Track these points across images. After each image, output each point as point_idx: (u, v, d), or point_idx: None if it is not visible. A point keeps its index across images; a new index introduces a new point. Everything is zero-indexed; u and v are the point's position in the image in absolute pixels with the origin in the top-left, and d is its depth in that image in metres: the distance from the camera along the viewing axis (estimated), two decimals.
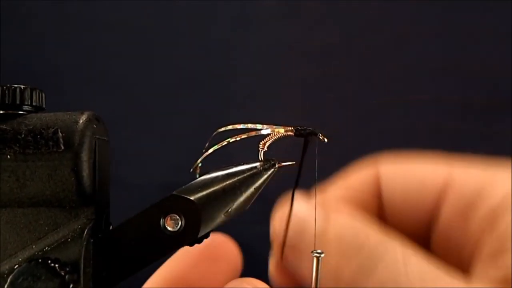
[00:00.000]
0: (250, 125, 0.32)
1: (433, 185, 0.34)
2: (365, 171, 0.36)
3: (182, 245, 0.30)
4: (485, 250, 0.30)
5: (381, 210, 0.36)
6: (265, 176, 0.31)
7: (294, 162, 0.32)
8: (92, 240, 0.29)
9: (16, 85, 0.31)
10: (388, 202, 0.35)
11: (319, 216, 0.31)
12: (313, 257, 0.30)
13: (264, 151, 0.31)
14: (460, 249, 0.32)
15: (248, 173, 0.30)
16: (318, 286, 0.29)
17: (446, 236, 0.33)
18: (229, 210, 0.30)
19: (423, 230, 0.34)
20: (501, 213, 0.31)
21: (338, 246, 0.30)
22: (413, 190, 0.35)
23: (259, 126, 0.32)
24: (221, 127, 0.33)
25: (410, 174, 0.35)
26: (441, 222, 0.33)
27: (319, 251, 0.30)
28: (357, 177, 0.35)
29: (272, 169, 0.31)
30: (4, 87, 0.31)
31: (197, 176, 0.31)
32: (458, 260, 0.32)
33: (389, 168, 0.36)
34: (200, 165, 0.32)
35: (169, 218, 0.29)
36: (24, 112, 0.31)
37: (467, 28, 0.71)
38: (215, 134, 0.33)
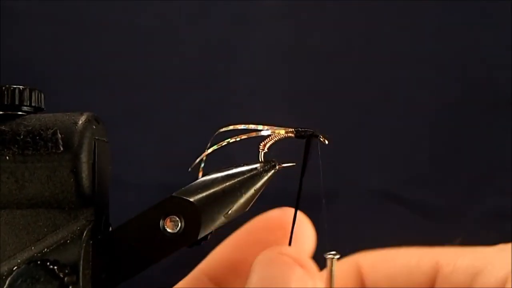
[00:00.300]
0: (251, 126, 0.32)
1: (421, 272, 0.34)
2: (345, 264, 0.35)
3: (182, 247, 0.30)
4: None
5: None
6: (266, 178, 0.30)
7: (294, 164, 0.32)
8: (91, 242, 0.29)
9: (15, 86, 0.31)
10: None
11: None
12: (326, 259, 0.29)
13: (264, 152, 0.31)
14: None
15: (248, 174, 0.30)
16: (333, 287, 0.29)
17: None
18: (229, 211, 0.30)
19: None
20: None
21: None
22: (399, 278, 0.34)
23: (259, 127, 0.31)
24: (222, 128, 0.33)
25: (393, 261, 0.35)
26: None
27: (333, 252, 0.30)
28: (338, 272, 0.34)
29: (273, 170, 0.31)
30: (3, 88, 0.31)
31: (200, 176, 0.31)
32: None
33: (368, 257, 0.35)
34: (202, 165, 0.32)
35: (168, 220, 0.29)
36: (23, 113, 0.31)
37: (467, 28, 0.71)
38: (217, 135, 0.33)
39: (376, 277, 0.34)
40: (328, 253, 0.30)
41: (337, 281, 0.31)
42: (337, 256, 0.30)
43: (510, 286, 0.29)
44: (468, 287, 0.32)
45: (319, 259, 0.33)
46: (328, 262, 0.29)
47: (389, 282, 0.34)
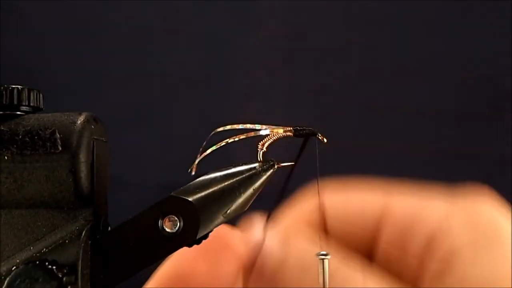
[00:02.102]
0: (249, 125, 0.32)
1: (371, 214, 0.35)
2: (311, 200, 0.35)
3: (181, 247, 0.29)
4: (428, 275, 0.31)
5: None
6: (264, 177, 0.30)
7: (293, 163, 0.32)
8: (90, 242, 0.29)
9: (13, 86, 0.31)
10: (332, 231, 0.35)
11: (277, 243, 0.31)
12: (319, 260, 0.29)
13: (263, 152, 0.31)
14: (400, 278, 0.32)
15: (247, 174, 0.30)
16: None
17: (386, 265, 0.33)
18: (228, 211, 0.30)
19: (366, 253, 0.35)
20: (440, 237, 0.31)
21: (299, 275, 0.30)
22: (352, 220, 0.35)
23: (258, 127, 0.31)
24: (219, 127, 0.33)
25: (350, 203, 0.36)
26: (380, 251, 0.34)
27: (324, 252, 0.30)
28: (307, 206, 0.34)
29: (271, 170, 0.31)
30: (2, 88, 0.31)
31: (193, 172, 0.31)
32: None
33: (331, 197, 0.36)
34: (199, 163, 0.32)
35: (167, 220, 0.29)
36: (21, 113, 0.31)
37: (466, 28, 0.70)
38: (213, 134, 0.33)
39: (334, 219, 0.35)
40: (320, 253, 0.30)
41: (308, 211, 0.32)
42: (329, 257, 0.29)
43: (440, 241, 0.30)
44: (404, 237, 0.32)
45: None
46: (320, 262, 0.29)
47: (344, 226, 0.35)
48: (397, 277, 0.32)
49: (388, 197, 0.35)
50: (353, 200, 0.36)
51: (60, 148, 0.29)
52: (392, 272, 0.32)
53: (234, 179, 0.30)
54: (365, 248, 0.34)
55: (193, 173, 0.31)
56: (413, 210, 0.34)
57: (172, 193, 0.30)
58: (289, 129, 0.31)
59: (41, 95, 0.32)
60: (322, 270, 0.29)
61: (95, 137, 0.31)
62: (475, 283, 0.28)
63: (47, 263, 0.27)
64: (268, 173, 0.30)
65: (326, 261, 0.29)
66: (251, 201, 0.30)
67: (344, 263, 0.29)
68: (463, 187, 0.35)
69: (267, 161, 0.31)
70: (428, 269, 0.31)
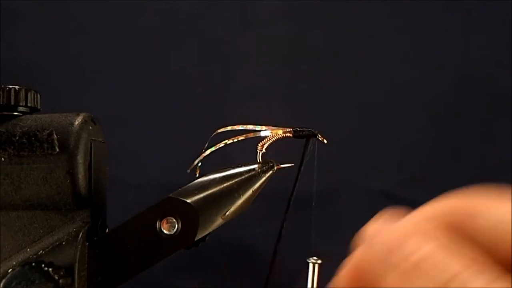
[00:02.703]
0: (249, 127, 0.32)
1: None
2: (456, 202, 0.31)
3: (179, 249, 0.29)
4: None
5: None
6: (264, 178, 0.30)
7: (292, 164, 0.31)
8: (87, 244, 0.29)
9: (10, 86, 0.31)
10: (481, 240, 0.30)
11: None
12: (309, 263, 0.29)
13: (262, 153, 0.31)
14: None
15: (246, 175, 0.30)
16: None
17: None
18: (227, 212, 0.29)
19: None
20: None
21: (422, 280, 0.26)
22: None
23: (258, 128, 0.31)
24: (220, 128, 0.33)
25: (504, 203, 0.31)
26: None
27: (315, 258, 0.29)
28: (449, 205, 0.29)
29: (271, 171, 0.30)
30: None
31: (197, 176, 0.31)
32: None
33: (487, 202, 0.32)
34: (199, 164, 0.32)
35: (165, 221, 0.29)
36: (19, 113, 0.31)
37: (467, 28, 0.70)
38: (214, 135, 0.32)
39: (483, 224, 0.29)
40: (311, 258, 0.29)
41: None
42: (319, 261, 0.29)
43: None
44: None
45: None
46: (311, 267, 0.29)
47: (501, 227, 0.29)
48: None
49: None
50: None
51: (58, 149, 0.29)
52: None
53: (233, 181, 0.29)
54: None
55: (197, 174, 0.31)
56: None
57: (170, 195, 0.29)
58: (289, 130, 0.31)
59: (38, 96, 0.32)
60: (311, 274, 0.28)
61: (93, 138, 0.30)
62: None
63: (43, 265, 0.27)
64: (267, 174, 0.30)
65: (316, 266, 0.28)
66: (251, 202, 0.30)
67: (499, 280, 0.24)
68: None
69: (267, 162, 0.31)
70: None
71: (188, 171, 0.32)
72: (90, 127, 0.30)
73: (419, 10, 0.71)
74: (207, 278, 0.72)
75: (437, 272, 0.24)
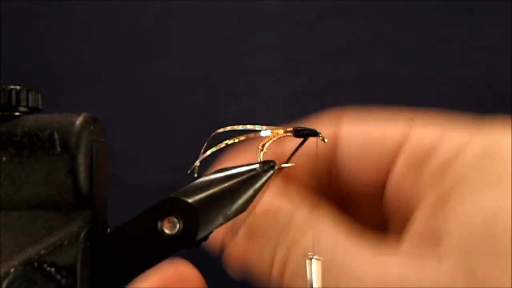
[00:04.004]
0: (249, 126, 0.32)
1: (390, 143, 0.33)
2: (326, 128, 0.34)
3: (180, 248, 0.29)
4: (426, 202, 0.29)
5: (330, 174, 0.34)
6: (265, 178, 0.30)
7: (293, 164, 0.32)
8: (89, 244, 0.29)
9: (11, 86, 0.31)
10: (343, 163, 0.33)
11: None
12: (307, 260, 0.29)
13: (263, 153, 0.31)
14: (409, 206, 0.30)
15: (247, 175, 0.30)
16: None
17: (397, 194, 0.31)
18: (228, 212, 0.29)
19: (377, 190, 0.33)
20: (453, 163, 0.29)
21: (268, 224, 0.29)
22: (370, 150, 0.33)
23: (258, 127, 0.31)
24: (219, 128, 0.33)
25: (369, 132, 0.34)
26: (393, 179, 0.32)
27: (312, 254, 0.29)
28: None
29: (272, 171, 0.30)
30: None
31: (196, 176, 0.31)
32: (407, 219, 0.30)
33: (349, 128, 0.34)
34: (199, 165, 0.32)
35: (166, 221, 0.29)
36: (19, 114, 0.31)
37: (467, 28, 0.70)
38: (214, 135, 0.32)
39: (350, 150, 0.33)
40: (309, 254, 0.29)
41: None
42: (316, 256, 0.29)
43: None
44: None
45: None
46: (308, 263, 0.29)
47: (360, 155, 0.33)
48: (405, 211, 0.30)
49: (409, 126, 0.33)
50: (372, 129, 0.34)
51: (59, 149, 0.29)
52: (401, 206, 0.30)
53: (234, 180, 0.30)
54: (379, 180, 0.33)
55: (195, 174, 0.31)
56: (433, 138, 0.32)
57: (171, 194, 0.29)
58: (290, 129, 0.31)
59: (39, 96, 0.32)
60: (310, 272, 0.28)
61: (94, 138, 0.30)
62: (474, 213, 0.27)
63: (45, 265, 0.27)
64: (269, 174, 0.30)
65: (314, 262, 0.28)
66: (252, 202, 0.30)
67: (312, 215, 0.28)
68: (491, 120, 0.33)
69: (267, 162, 0.31)
70: (430, 196, 0.29)
71: (189, 172, 0.32)
72: (92, 127, 0.30)
73: (420, 10, 0.71)
74: (207, 278, 0.72)
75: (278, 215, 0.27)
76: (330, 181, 0.34)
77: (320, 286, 0.28)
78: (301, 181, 0.30)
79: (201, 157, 0.32)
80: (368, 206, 0.33)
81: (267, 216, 0.28)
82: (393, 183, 0.31)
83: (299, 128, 0.31)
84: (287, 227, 0.27)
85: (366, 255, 0.28)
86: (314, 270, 0.29)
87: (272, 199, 0.28)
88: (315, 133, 0.31)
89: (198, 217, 0.29)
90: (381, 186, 0.32)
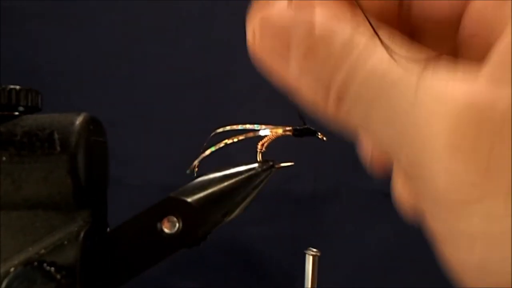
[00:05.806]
0: (248, 126, 0.32)
1: None
2: None
3: (180, 248, 0.29)
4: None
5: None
6: (263, 177, 0.30)
7: (292, 163, 0.32)
8: (88, 243, 0.29)
9: (11, 86, 0.31)
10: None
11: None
12: (307, 256, 0.29)
13: (262, 152, 0.31)
14: (491, 35, 0.26)
15: (246, 174, 0.30)
16: (315, 287, 0.29)
17: (477, 22, 0.27)
18: (227, 211, 0.29)
19: (453, 19, 0.28)
20: None
21: (325, 49, 0.25)
22: None
23: (257, 127, 0.31)
24: (219, 128, 0.33)
25: None
26: (474, 6, 0.28)
27: (315, 250, 0.29)
28: None
29: (270, 170, 0.30)
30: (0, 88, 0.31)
31: (195, 176, 0.31)
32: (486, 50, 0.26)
33: None
34: (199, 164, 0.32)
35: (166, 221, 0.29)
36: (19, 113, 0.31)
37: None
38: (213, 135, 0.32)
39: None
40: (310, 250, 0.29)
41: None
42: (315, 252, 0.29)
43: None
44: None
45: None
46: (307, 259, 0.29)
47: None
48: (483, 45, 0.25)
49: None
50: None
51: (59, 149, 0.29)
52: (480, 42, 0.26)
53: (233, 180, 0.30)
54: (453, 12, 0.28)
55: (195, 174, 0.31)
56: None
57: (170, 194, 0.29)
58: (289, 128, 0.31)
59: (39, 96, 0.32)
60: (311, 267, 0.28)
61: (94, 138, 0.30)
62: None
63: (45, 265, 0.27)
64: (267, 173, 0.30)
65: (312, 258, 0.28)
66: (251, 201, 0.30)
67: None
68: None
69: (266, 162, 0.31)
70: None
71: (188, 171, 0.32)
72: (91, 127, 0.30)
73: None
74: (208, 278, 0.72)
75: (334, 39, 0.23)
76: (400, 11, 0.29)
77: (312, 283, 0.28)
78: (366, 9, 0.25)
79: (201, 157, 0.32)
80: (438, 39, 0.29)
81: (321, 41, 0.23)
82: (474, 10, 0.27)
83: (298, 127, 0.31)
84: (346, 52, 0.23)
85: (448, 74, 0.23)
86: (316, 266, 0.29)
87: (326, 22, 0.24)
88: (314, 132, 0.31)
89: (197, 217, 0.29)
90: (458, 14, 0.28)
